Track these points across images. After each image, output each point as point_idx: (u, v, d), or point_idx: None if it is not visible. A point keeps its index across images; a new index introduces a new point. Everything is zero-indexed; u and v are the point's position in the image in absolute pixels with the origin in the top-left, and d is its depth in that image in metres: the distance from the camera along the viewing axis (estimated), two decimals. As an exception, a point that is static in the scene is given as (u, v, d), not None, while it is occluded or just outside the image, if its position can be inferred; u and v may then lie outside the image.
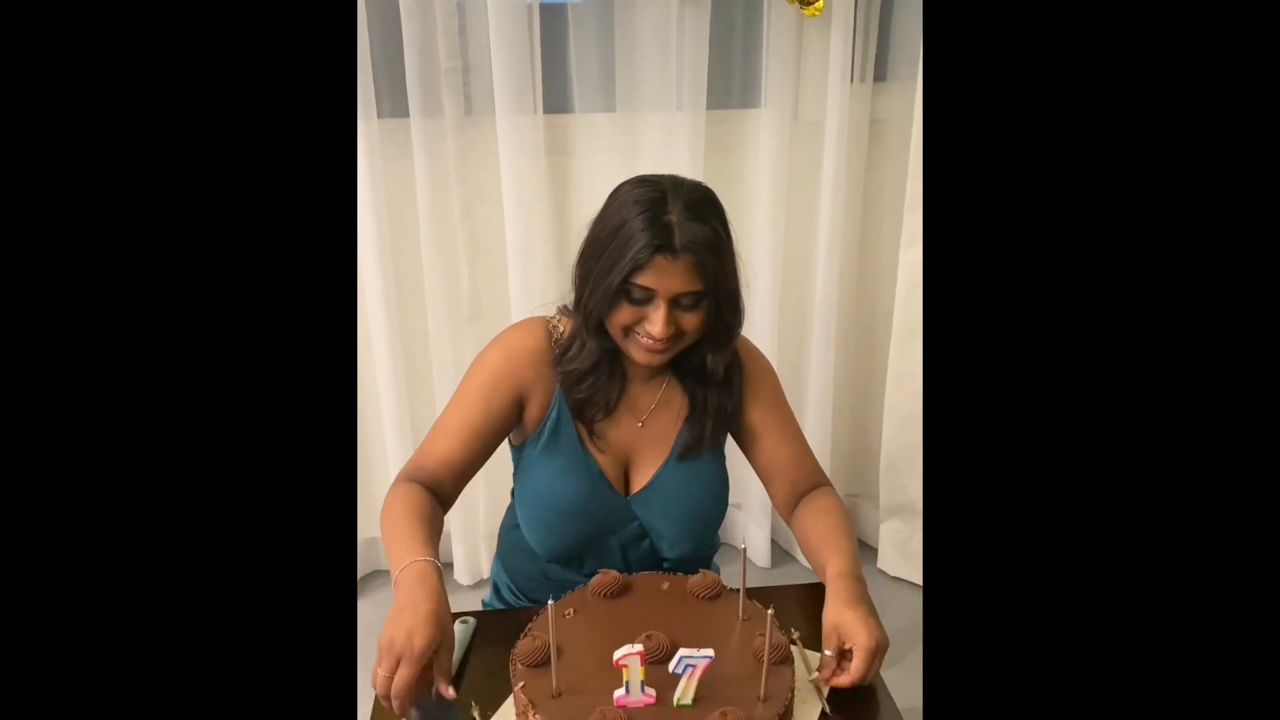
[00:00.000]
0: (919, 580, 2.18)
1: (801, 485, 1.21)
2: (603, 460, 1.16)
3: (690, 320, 1.06)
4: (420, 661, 0.89)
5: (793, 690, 0.91)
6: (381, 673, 0.89)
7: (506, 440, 1.20)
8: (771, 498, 1.24)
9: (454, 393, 1.17)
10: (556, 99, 1.89)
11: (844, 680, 0.96)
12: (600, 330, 1.10)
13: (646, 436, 1.18)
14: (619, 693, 0.87)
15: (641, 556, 1.19)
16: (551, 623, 0.87)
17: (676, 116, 1.87)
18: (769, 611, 0.89)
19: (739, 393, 1.18)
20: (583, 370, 1.12)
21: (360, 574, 2.24)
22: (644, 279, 1.02)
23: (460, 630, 1.06)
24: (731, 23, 1.89)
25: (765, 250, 1.99)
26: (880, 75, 1.99)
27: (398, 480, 1.13)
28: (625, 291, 1.04)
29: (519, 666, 0.92)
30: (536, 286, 1.92)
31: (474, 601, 1.41)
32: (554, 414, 1.15)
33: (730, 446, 1.24)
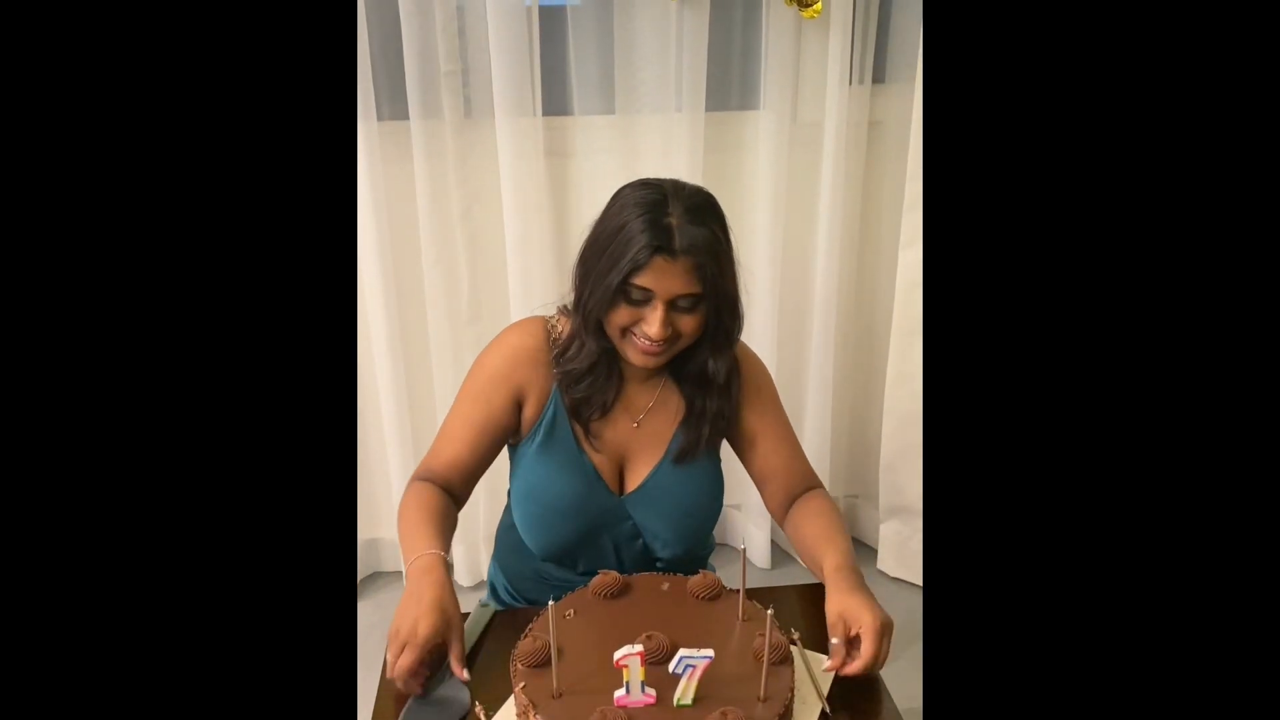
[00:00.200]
0: (918, 581, 2.19)
1: (795, 488, 1.22)
2: (598, 459, 1.17)
3: (688, 323, 1.07)
4: (423, 647, 0.95)
5: (792, 690, 0.91)
6: (390, 658, 0.96)
7: None
8: (765, 501, 1.25)
9: (456, 395, 1.18)
10: (556, 101, 1.89)
11: (856, 666, 0.96)
12: (599, 330, 1.10)
13: (642, 436, 1.18)
14: (619, 693, 0.87)
15: (635, 556, 1.20)
16: (552, 623, 0.87)
17: (675, 118, 1.87)
18: (769, 612, 0.89)
19: (736, 398, 1.19)
20: (580, 370, 1.13)
21: (360, 576, 2.24)
22: (643, 279, 1.03)
23: (480, 613, 1.11)
24: (730, 25, 1.90)
25: (764, 251, 1.99)
26: (879, 77, 2.00)
27: (411, 480, 1.17)
28: (624, 292, 1.04)
29: (519, 667, 0.92)
30: (536, 288, 1.93)
31: (471, 603, 1.41)
32: (550, 412, 1.16)
33: (725, 448, 1.24)
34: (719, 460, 1.23)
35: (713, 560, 1.34)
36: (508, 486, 1.26)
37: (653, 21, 1.81)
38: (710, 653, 0.87)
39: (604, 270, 1.04)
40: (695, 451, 1.17)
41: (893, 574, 2.22)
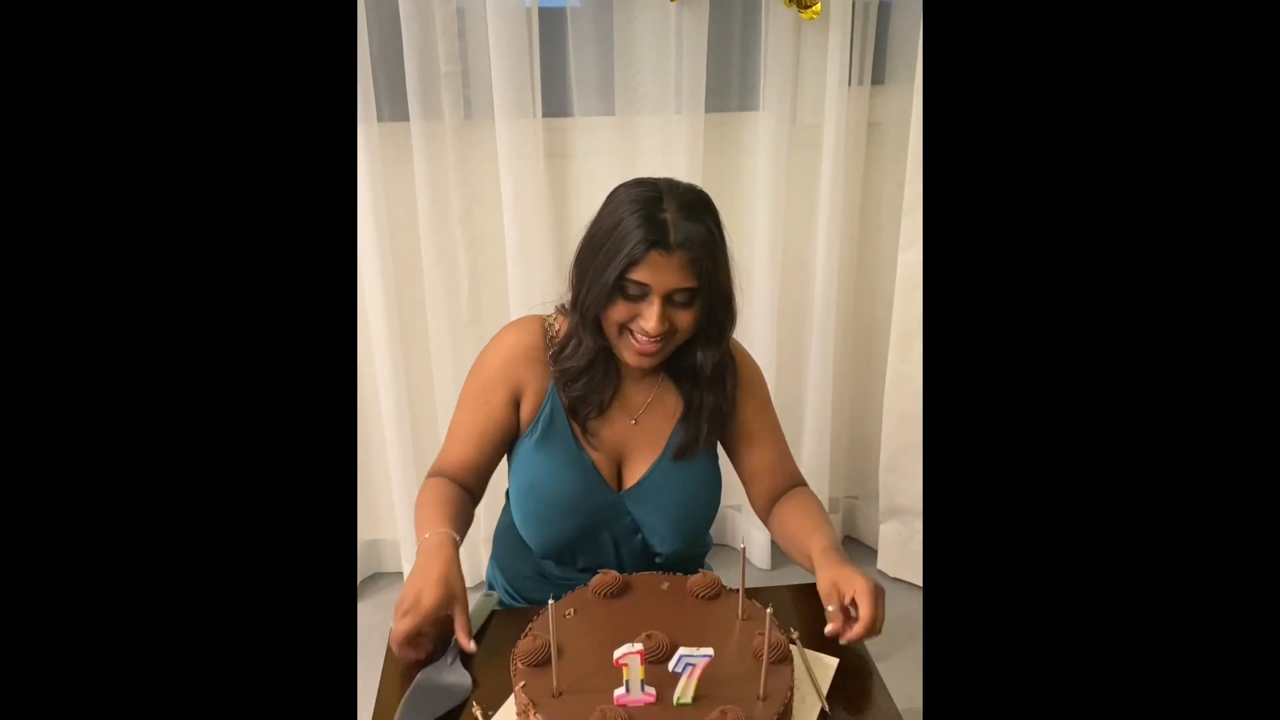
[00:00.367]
0: (918, 581, 2.19)
1: (781, 487, 1.24)
2: (596, 456, 1.18)
3: (683, 318, 1.08)
4: (426, 617, 0.98)
5: (792, 689, 0.91)
6: (394, 627, 0.99)
7: None
8: (751, 498, 1.27)
9: (459, 396, 1.20)
10: (555, 103, 1.89)
11: (858, 629, 0.99)
12: (596, 327, 1.11)
13: (640, 434, 1.19)
14: (619, 692, 0.87)
15: (634, 552, 1.20)
16: (552, 622, 0.88)
17: (675, 120, 1.88)
18: (768, 610, 0.89)
19: (733, 395, 1.20)
20: (578, 368, 1.14)
21: (361, 577, 2.24)
22: (639, 274, 1.04)
23: (484, 601, 1.13)
24: (730, 26, 1.90)
25: (764, 252, 1.99)
26: (878, 78, 2.00)
27: (426, 477, 1.21)
28: (621, 287, 1.06)
29: (519, 666, 0.92)
30: (536, 289, 1.93)
31: (470, 603, 1.41)
32: (547, 409, 1.17)
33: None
34: (716, 457, 1.24)
35: (713, 561, 1.35)
36: (505, 487, 1.26)
37: (652, 23, 1.81)
38: (710, 651, 0.87)
39: (600, 266, 1.06)
40: (694, 448, 1.18)
41: (893, 574, 2.22)
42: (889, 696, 1.00)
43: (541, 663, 0.91)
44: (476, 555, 2.20)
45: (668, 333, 1.08)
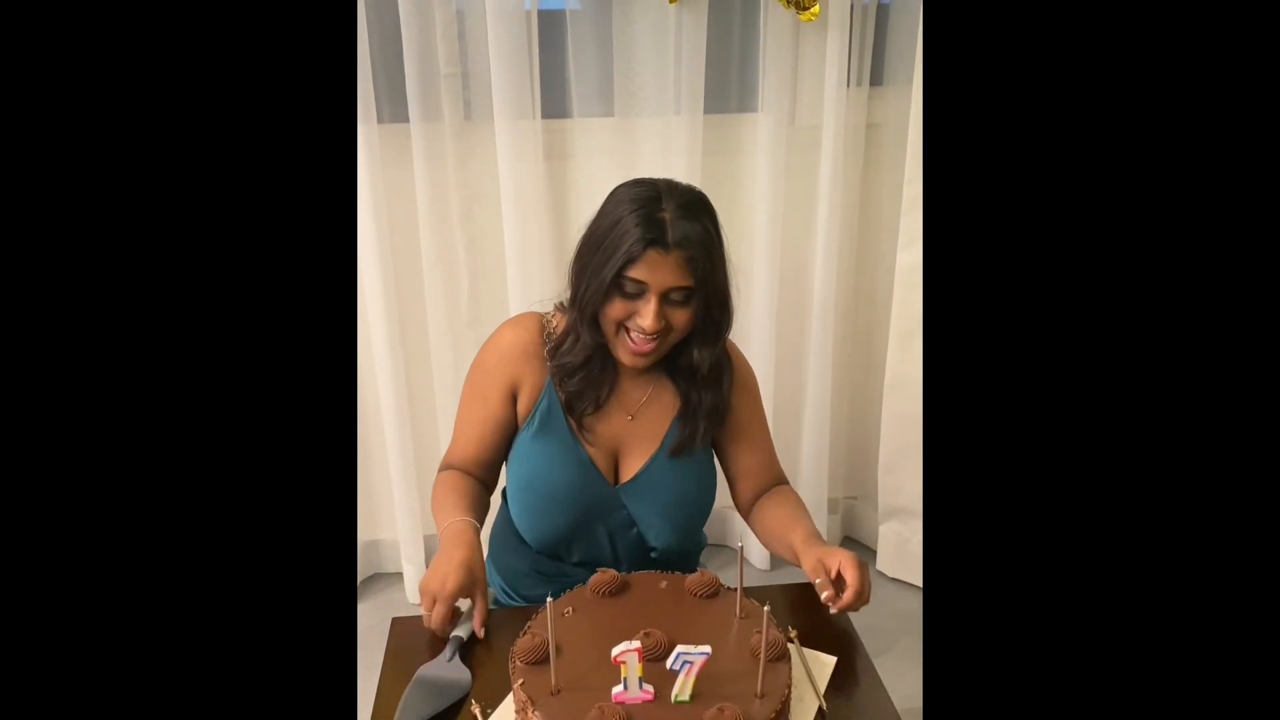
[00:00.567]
0: (918, 581, 2.19)
1: (765, 486, 1.27)
2: (592, 451, 1.19)
3: (680, 316, 1.09)
4: (450, 601, 1.04)
5: (789, 687, 0.91)
6: (424, 610, 1.05)
7: None
8: (735, 496, 1.31)
9: (461, 393, 1.23)
10: (555, 104, 1.90)
11: (849, 595, 1.02)
12: (593, 324, 1.13)
13: (636, 429, 1.20)
14: (617, 689, 0.87)
15: (629, 546, 1.21)
16: (550, 620, 0.88)
17: (674, 121, 1.88)
18: (765, 609, 0.89)
19: (729, 393, 1.21)
20: (575, 364, 1.15)
21: (361, 577, 2.24)
22: (636, 272, 1.05)
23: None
24: (728, 28, 1.90)
25: (763, 253, 1.99)
26: (876, 79, 2.00)
27: (438, 471, 1.25)
28: (618, 285, 1.07)
29: (518, 664, 0.92)
30: (535, 289, 1.93)
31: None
32: (544, 403, 1.18)
33: None
34: (712, 454, 1.26)
35: (711, 561, 1.36)
36: (501, 487, 1.27)
37: (651, 25, 1.82)
38: (707, 649, 0.87)
39: (599, 264, 1.07)
40: (691, 445, 1.19)
41: (892, 574, 2.22)
42: (887, 695, 1.00)
43: (540, 660, 0.92)
44: (476, 556, 2.20)
45: (663, 331, 1.09)
